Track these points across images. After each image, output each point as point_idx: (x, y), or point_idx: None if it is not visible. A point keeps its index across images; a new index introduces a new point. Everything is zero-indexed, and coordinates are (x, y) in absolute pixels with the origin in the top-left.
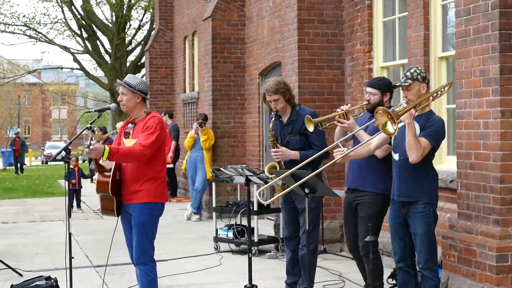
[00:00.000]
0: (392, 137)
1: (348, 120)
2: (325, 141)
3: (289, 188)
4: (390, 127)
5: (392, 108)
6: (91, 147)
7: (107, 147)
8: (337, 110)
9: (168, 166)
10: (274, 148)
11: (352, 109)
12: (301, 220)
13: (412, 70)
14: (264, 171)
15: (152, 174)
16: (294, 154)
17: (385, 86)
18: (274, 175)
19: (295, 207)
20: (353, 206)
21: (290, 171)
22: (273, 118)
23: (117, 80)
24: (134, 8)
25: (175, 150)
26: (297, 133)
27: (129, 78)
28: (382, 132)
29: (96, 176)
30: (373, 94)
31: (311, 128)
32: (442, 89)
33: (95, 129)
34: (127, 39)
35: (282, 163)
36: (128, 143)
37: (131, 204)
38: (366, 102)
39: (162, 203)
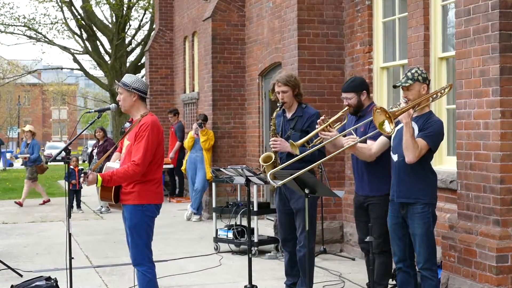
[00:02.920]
0: (392, 138)
1: (330, 132)
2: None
3: (283, 180)
4: (387, 126)
5: (391, 107)
6: (85, 183)
7: (99, 177)
8: (316, 126)
9: (168, 166)
10: (273, 137)
11: (334, 119)
12: (296, 221)
13: (413, 71)
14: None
15: (146, 176)
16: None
17: (357, 86)
18: (267, 164)
19: (290, 208)
20: (364, 207)
21: (292, 175)
22: (278, 108)
23: (115, 80)
24: (134, 8)
25: (178, 151)
26: (298, 129)
27: (125, 77)
28: (381, 137)
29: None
30: (350, 98)
31: (297, 152)
32: (442, 91)
33: (87, 171)
34: (127, 39)
35: (278, 156)
36: (125, 143)
37: (124, 205)
38: (347, 108)
39: (156, 205)
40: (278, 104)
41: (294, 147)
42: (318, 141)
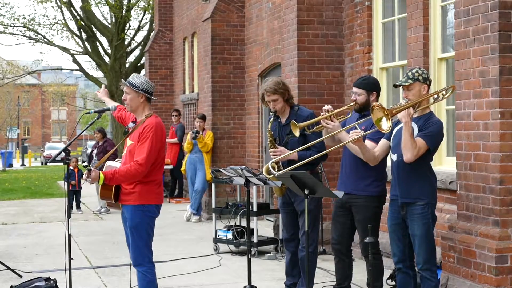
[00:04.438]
0: (391, 139)
1: (332, 122)
2: (324, 143)
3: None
4: (385, 123)
5: (391, 107)
6: (88, 179)
7: (102, 174)
8: (321, 113)
9: (168, 167)
10: (272, 148)
11: (338, 111)
12: (300, 221)
13: (414, 71)
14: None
15: (147, 177)
16: (292, 154)
17: (370, 85)
18: (272, 175)
19: (294, 209)
20: (347, 207)
21: (288, 168)
22: (272, 119)
23: (122, 79)
24: (133, 9)
25: (177, 152)
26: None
27: (133, 77)
28: (383, 142)
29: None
30: (359, 94)
31: (297, 133)
32: (444, 92)
33: (90, 167)
34: (127, 40)
35: (281, 164)
36: (127, 143)
37: (125, 205)
38: (353, 103)
39: (156, 205)
40: (270, 113)
41: (295, 127)
42: (319, 129)
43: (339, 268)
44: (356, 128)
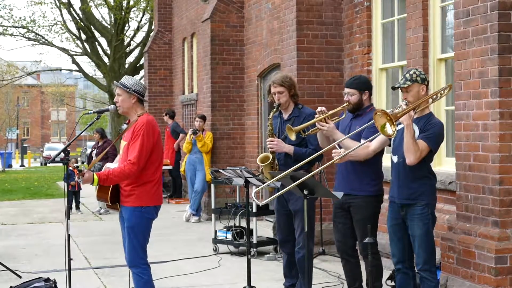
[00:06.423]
0: (392, 139)
1: (327, 124)
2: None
3: (282, 191)
4: (389, 129)
5: (391, 110)
6: (80, 181)
7: (96, 176)
8: (315, 115)
9: (167, 167)
10: (270, 137)
11: (333, 113)
12: (295, 222)
13: (411, 72)
14: (263, 172)
15: (145, 177)
16: (288, 148)
17: (361, 85)
18: (265, 164)
19: (289, 210)
20: (345, 208)
21: (287, 172)
22: (275, 109)
23: (114, 81)
24: (132, 9)
25: (175, 153)
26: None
27: (124, 79)
28: (381, 134)
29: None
30: (351, 94)
31: (292, 137)
32: (442, 91)
33: (82, 169)
34: (126, 40)
35: (276, 156)
36: (121, 144)
37: (123, 207)
38: (346, 104)
39: (155, 206)
40: (274, 105)
41: (291, 131)
42: (314, 131)
43: (347, 270)
44: (336, 149)
